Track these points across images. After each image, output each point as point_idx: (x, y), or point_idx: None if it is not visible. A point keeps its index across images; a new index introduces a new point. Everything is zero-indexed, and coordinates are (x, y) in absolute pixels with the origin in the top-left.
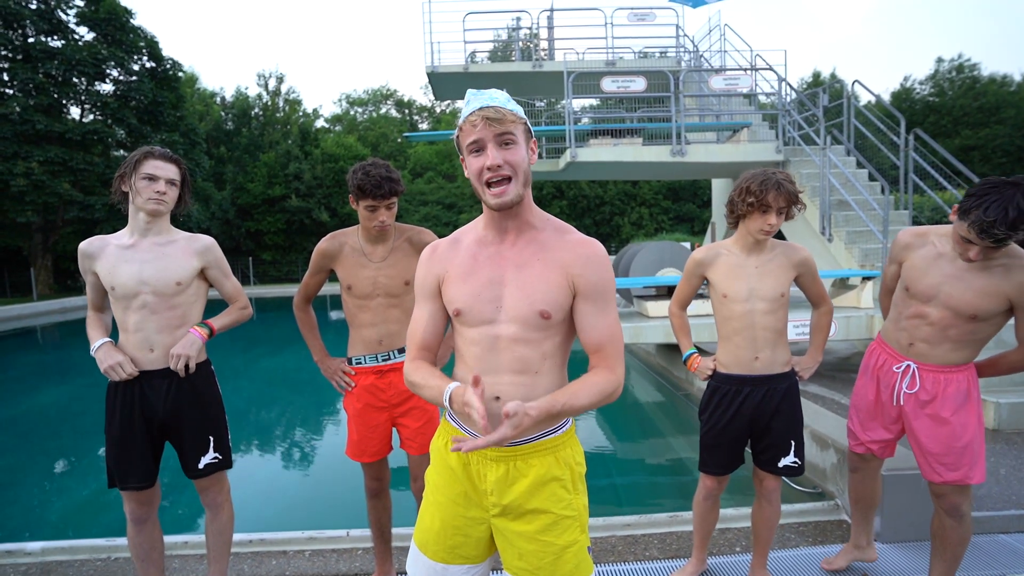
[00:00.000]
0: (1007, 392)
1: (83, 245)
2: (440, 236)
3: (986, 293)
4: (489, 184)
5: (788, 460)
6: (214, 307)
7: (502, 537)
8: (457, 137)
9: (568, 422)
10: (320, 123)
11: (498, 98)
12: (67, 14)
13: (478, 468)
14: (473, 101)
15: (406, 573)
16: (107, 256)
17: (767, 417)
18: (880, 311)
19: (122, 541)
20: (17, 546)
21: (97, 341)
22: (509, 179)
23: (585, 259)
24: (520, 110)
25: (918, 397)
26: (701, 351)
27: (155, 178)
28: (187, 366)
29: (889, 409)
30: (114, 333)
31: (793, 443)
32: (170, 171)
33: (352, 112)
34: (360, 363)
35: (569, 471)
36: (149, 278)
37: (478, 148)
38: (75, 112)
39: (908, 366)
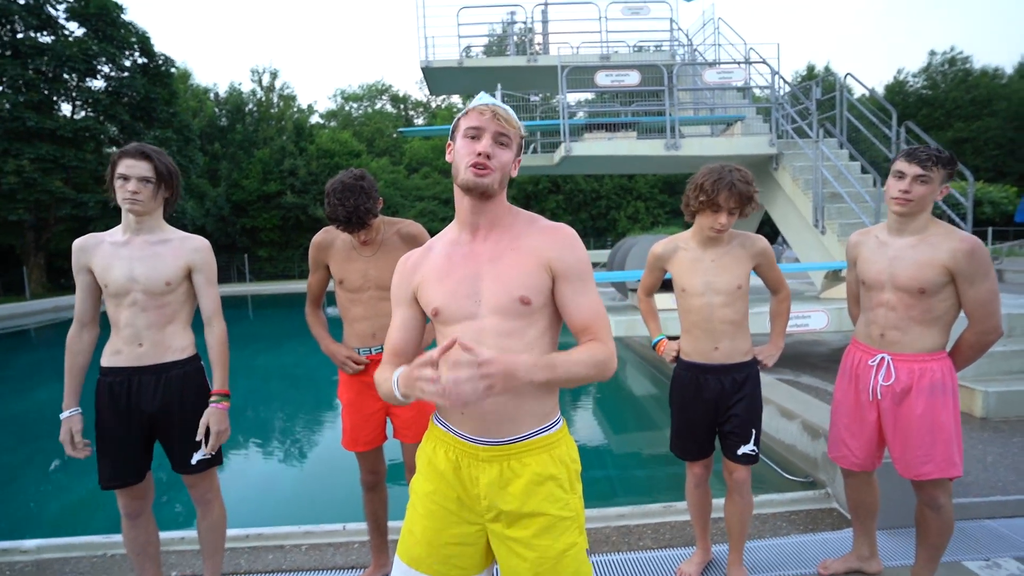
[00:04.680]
0: (995, 381)
1: (78, 241)
2: (436, 231)
3: (924, 264)
4: (472, 166)
5: (747, 448)
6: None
7: (499, 542)
8: (457, 121)
9: (560, 420)
10: (315, 119)
11: (508, 108)
12: (57, 9)
13: (469, 471)
14: (484, 97)
15: None
16: (101, 253)
17: (729, 404)
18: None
19: (118, 538)
20: (13, 544)
21: (66, 410)
22: (491, 170)
23: (559, 242)
24: (522, 127)
25: (893, 390)
26: (671, 337)
27: (127, 178)
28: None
29: (868, 412)
30: (107, 328)
31: (754, 431)
32: (142, 168)
33: (347, 107)
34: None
35: (565, 469)
36: (139, 276)
37: (476, 135)
38: (66, 109)
39: (883, 359)
